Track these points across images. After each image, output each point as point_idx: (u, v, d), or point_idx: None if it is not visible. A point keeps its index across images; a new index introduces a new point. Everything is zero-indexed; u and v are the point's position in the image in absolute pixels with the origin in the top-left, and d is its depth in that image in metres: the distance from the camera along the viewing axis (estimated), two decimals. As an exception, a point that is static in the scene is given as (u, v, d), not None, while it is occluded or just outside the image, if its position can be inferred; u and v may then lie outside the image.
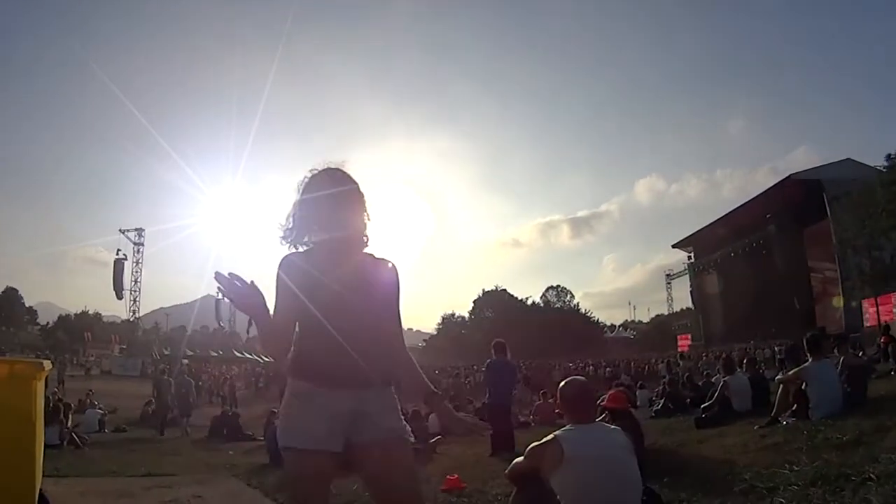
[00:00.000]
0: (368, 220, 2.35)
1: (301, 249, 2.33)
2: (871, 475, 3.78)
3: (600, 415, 5.76)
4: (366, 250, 2.37)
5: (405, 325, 2.53)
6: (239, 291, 2.05)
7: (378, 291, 2.32)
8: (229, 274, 2.06)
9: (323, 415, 2.15)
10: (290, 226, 2.34)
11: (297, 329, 2.27)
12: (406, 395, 2.51)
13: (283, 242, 2.35)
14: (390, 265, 2.39)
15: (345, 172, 2.33)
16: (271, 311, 2.19)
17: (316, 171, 2.34)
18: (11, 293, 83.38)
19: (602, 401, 6.32)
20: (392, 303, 2.37)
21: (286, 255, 2.31)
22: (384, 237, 2.48)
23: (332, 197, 2.27)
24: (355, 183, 2.33)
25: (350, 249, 2.33)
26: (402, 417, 2.33)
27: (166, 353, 53.76)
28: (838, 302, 40.19)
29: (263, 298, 2.11)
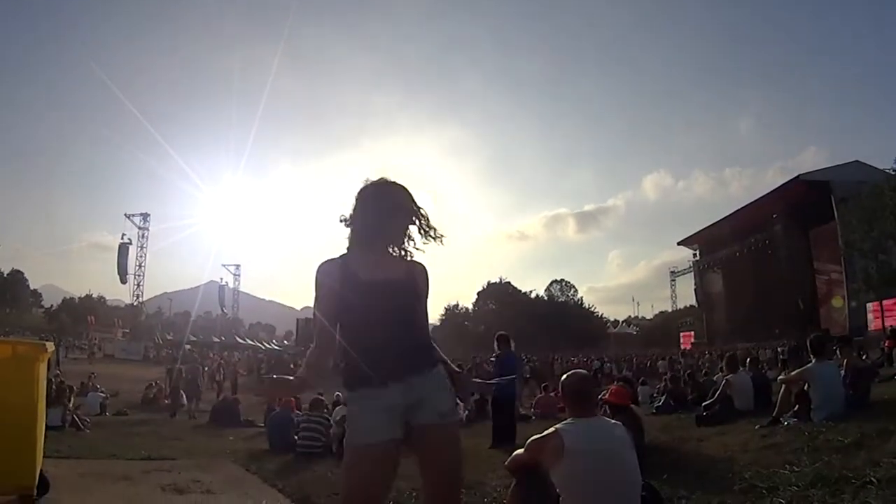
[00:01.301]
0: (419, 229, 2.51)
1: (338, 256, 2.48)
2: (872, 479, 3.75)
3: (601, 409, 5.76)
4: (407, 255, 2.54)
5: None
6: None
7: (410, 287, 2.46)
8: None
9: (379, 409, 2.30)
10: (353, 232, 2.51)
11: (338, 336, 2.42)
12: None
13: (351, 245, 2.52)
14: (421, 266, 2.55)
15: (399, 184, 2.50)
16: (315, 313, 2.44)
17: (372, 183, 2.50)
18: (17, 276, 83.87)
19: (604, 395, 6.31)
20: (422, 300, 2.51)
21: (322, 262, 2.45)
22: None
23: (387, 203, 2.45)
24: (409, 194, 2.50)
25: (387, 256, 2.49)
26: (453, 395, 2.48)
27: (169, 337, 54.04)
28: (838, 302, 40.08)
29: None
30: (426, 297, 2.55)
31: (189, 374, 19.10)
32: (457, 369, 2.59)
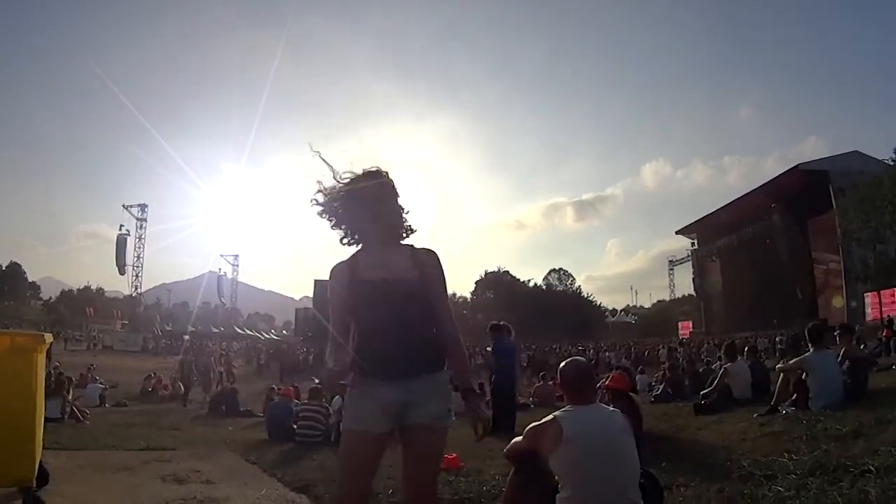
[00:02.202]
0: (405, 210, 2.59)
1: (350, 254, 2.57)
2: (870, 467, 3.76)
3: (600, 396, 5.76)
4: (407, 241, 2.60)
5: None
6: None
7: (419, 283, 2.49)
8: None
9: (374, 402, 2.40)
10: (339, 231, 2.59)
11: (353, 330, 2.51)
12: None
13: (344, 244, 2.60)
14: (429, 254, 2.58)
15: (371, 171, 2.55)
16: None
17: (345, 176, 2.55)
18: (15, 268, 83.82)
19: (606, 380, 6.32)
20: (435, 292, 2.54)
21: (334, 265, 2.56)
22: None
23: (354, 195, 2.51)
24: (381, 178, 2.55)
25: (387, 247, 2.55)
26: (451, 400, 2.51)
27: (168, 328, 54.07)
28: (838, 302, 40.12)
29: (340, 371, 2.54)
30: (438, 286, 2.56)
31: (202, 366, 19.96)
32: (473, 389, 2.60)
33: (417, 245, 2.61)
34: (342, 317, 2.50)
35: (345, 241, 2.60)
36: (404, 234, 2.60)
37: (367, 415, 2.40)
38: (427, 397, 2.43)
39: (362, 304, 2.46)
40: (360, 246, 2.59)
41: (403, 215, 2.59)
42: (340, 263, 2.55)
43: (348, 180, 2.54)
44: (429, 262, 2.55)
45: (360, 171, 2.55)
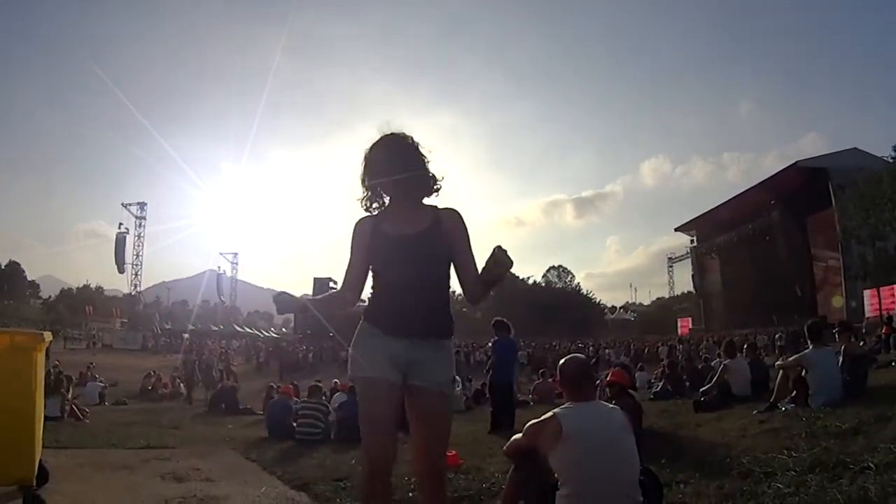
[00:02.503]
0: (431, 171, 2.60)
1: (375, 213, 2.63)
2: (870, 464, 3.76)
3: (601, 393, 5.77)
4: (430, 201, 2.63)
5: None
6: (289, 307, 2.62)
7: (440, 242, 2.52)
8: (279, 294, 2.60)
9: (383, 352, 2.45)
10: (362, 194, 2.63)
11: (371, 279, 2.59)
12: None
13: (363, 207, 2.64)
14: (452, 212, 2.61)
15: (394, 133, 2.58)
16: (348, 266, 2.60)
17: (372, 144, 2.59)
18: (14, 267, 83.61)
19: (604, 378, 6.32)
20: (460, 249, 2.57)
21: (359, 219, 2.62)
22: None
23: (384, 158, 2.53)
24: (405, 138, 2.58)
25: (410, 205, 2.58)
26: (453, 368, 2.60)
27: (167, 327, 54.04)
28: (838, 301, 40.11)
29: (295, 300, 2.63)
30: (462, 243, 2.58)
31: (205, 364, 20.52)
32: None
33: (441, 206, 2.63)
34: (357, 261, 2.58)
35: (373, 205, 2.63)
36: (429, 193, 2.62)
37: (378, 362, 2.44)
38: (432, 361, 2.48)
39: (382, 257, 2.52)
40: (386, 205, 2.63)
41: (428, 174, 2.60)
42: (364, 217, 2.62)
43: (372, 145, 2.58)
44: (452, 221, 2.58)
45: (384, 135, 2.59)
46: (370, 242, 2.54)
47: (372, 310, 2.54)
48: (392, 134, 2.57)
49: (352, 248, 2.60)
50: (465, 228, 2.60)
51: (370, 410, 2.45)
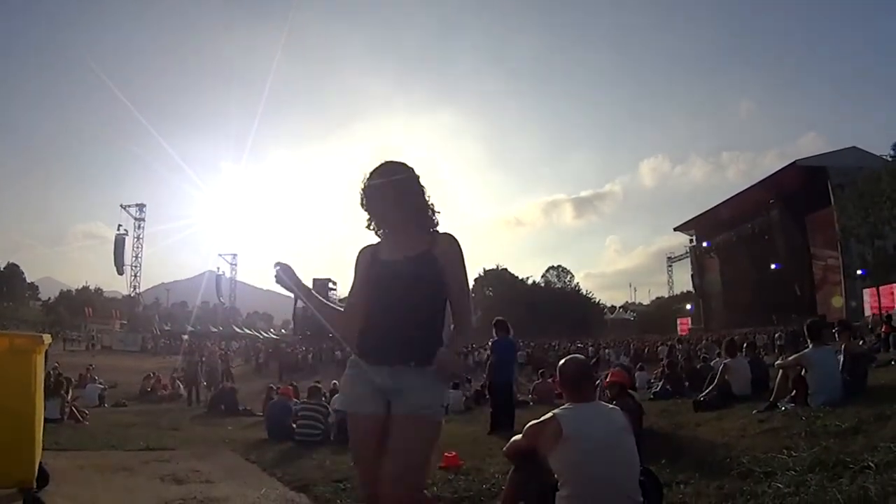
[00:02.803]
0: (429, 201, 2.60)
1: (380, 238, 2.64)
2: (870, 463, 3.75)
3: (601, 393, 5.77)
4: (432, 229, 2.60)
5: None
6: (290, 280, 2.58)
7: (429, 268, 2.48)
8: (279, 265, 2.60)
9: (367, 383, 2.44)
10: (367, 220, 2.62)
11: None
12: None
13: (369, 230, 2.64)
14: (448, 238, 2.57)
15: (394, 163, 2.57)
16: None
17: (371, 169, 2.57)
18: (13, 269, 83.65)
19: (606, 376, 6.33)
20: (451, 272, 2.51)
21: (361, 248, 2.65)
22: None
23: (378, 189, 2.52)
24: (405, 171, 2.56)
25: (406, 236, 2.56)
26: (441, 395, 2.49)
27: (167, 328, 54.03)
28: (838, 301, 40.14)
29: (298, 280, 2.61)
30: (453, 268, 2.52)
31: (208, 366, 20.57)
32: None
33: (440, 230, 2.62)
34: (356, 290, 2.60)
35: (379, 231, 2.64)
36: (425, 226, 2.59)
37: (360, 395, 2.45)
38: (415, 386, 2.37)
39: (373, 284, 2.52)
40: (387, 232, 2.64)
41: (426, 208, 2.58)
42: (366, 246, 2.65)
43: (369, 174, 2.56)
44: (444, 244, 2.54)
45: (381, 163, 2.57)
46: (369, 272, 2.55)
47: (359, 338, 2.51)
48: (389, 163, 2.56)
49: (354, 275, 2.63)
50: (458, 252, 2.55)
51: (356, 447, 2.50)
